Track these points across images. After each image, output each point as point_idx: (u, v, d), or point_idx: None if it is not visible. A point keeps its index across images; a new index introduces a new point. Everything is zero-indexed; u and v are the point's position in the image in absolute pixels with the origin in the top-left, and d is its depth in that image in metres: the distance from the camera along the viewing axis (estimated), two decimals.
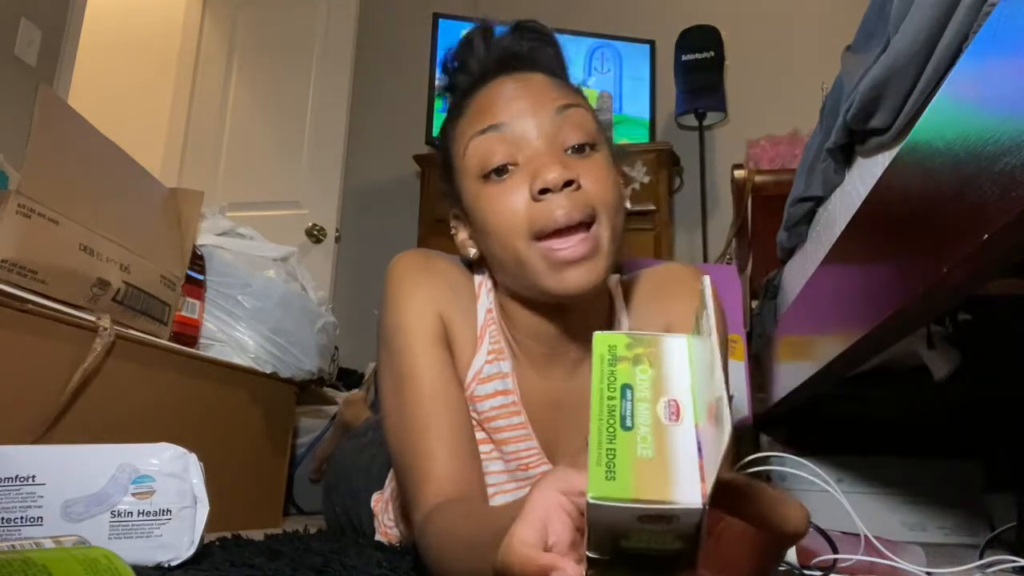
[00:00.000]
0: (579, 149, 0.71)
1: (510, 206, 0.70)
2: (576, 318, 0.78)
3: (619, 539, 0.35)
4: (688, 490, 0.33)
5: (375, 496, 1.05)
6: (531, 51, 0.79)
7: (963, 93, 0.61)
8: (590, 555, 0.35)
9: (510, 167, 0.71)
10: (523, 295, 0.76)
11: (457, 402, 0.75)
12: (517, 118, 0.71)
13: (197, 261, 1.29)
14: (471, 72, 0.79)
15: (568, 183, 0.68)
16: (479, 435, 0.79)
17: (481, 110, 0.74)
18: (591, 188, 0.69)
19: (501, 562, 0.37)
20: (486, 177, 0.72)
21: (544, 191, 0.68)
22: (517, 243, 0.70)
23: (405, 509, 0.76)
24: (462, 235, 0.80)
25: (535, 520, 0.37)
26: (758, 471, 1.38)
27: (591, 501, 0.33)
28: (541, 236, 0.68)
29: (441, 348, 0.77)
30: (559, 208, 0.67)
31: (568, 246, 0.68)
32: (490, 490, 0.78)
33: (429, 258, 0.83)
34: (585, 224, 0.68)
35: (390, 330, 0.78)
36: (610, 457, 0.34)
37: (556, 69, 0.79)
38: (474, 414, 0.79)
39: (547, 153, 0.70)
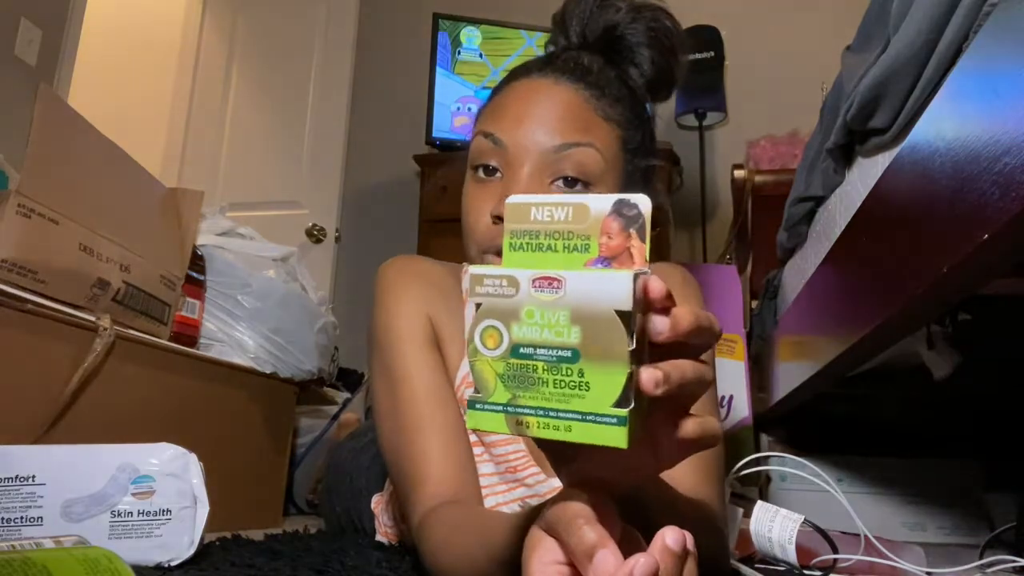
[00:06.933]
0: (569, 183, 0.71)
1: (478, 213, 0.73)
2: None
3: (510, 327, 0.34)
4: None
5: (375, 498, 1.05)
6: (615, 40, 0.77)
7: (963, 93, 0.61)
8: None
9: (496, 172, 0.73)
10: None
11: (450, 403, 0.76)
12: (519, 138, 0.71)
13: (197, 261, 1.29)
14: (569, 37, 0.80)
15: None
16: (470, 437, 0.79)
17: (497, 110, 0.75)
18: None
19: None
20: (475, 168, 0.74)
21: (500, 219, 0.70)
22: (471, 247, 0.73)
23: (402, 510, 0.76)
24: None
25: None
26: (758, 471, 1.38)
27: (473, 270, 0.35)
28: (491, 252, 0.71)
29: (432, 350, 0.78)
30: None
31: None
32: (482, 492, 0.78)
33: (417, 262, 0.84)
34: None
35: (381, 333, 0.79)
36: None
37: (613, 82, 0.75)
38: (464, 417, 0.79)
39: (523, 184, 0.70)
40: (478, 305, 0.35)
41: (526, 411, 0.34)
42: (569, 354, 0.33)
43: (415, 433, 0.72)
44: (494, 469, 0.80)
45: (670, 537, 0.34)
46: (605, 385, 0.33)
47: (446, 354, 0.80)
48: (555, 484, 0.79)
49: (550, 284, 0.33)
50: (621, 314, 0.32)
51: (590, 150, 0.71)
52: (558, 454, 0.41)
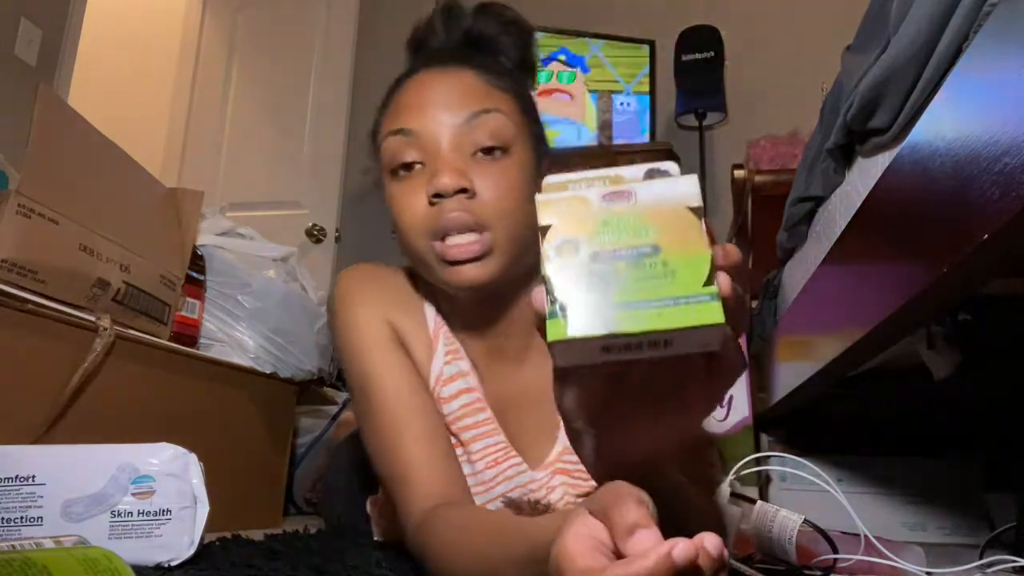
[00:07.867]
0: (488, 151, 0.73)
1: (412, 205, 0.73)
2: (504, 310, 0.80)
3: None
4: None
5: (371, 499, 1.05)
6: (476, 40, 0.82)
7: (963, 93, 0.61)
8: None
9: (416, 165, 0.73)
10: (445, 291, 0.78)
11: (423, 403, 0.76)
12: (428, 123, 0.73)
13: (197, 261, 1.29)
14: (429, 52, 0.83)
15: (461, 190, 0.70)
16: (450, 438, 0.80)
17: (399, 109, 0.76)
18: (486, 195, 0.71)
19: None
20: (394, 173, 0.75)
21: (438, 195, 0.70)
22: (418, 241, 0.73)
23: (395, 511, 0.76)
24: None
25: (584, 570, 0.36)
26: (758, 471, 1.38)
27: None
28: (437, 236, 0.72)
29: (398, 352, 0.79)
30: (451, 212, 0.70)
31: (459, 245, 0.71)
32: None
33: (373, 269, 0.87)
34: (477, 229, 0.71)
35: (344, 343, 0.80)
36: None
37: (494, 62, 0.80)
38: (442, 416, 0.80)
39: (448, 159, 0.72)
40: (548, 227, 0.35)
41: (613, 309, 0.34)
42: (649, 250, 0.34)
43: (397, 436, 0.73)
44: (471, 470, 0.80)
45: (709, 542, 0.34)
46: (692, 269, 0.34)
47: (413, 357, 0.81)
48: (537, 475, 0.80)
49: (620, 195, 0.35)
50: (693, 209, 0.34)
51: (498, 115, 0.73)
52: (585, 416, 0.43)
